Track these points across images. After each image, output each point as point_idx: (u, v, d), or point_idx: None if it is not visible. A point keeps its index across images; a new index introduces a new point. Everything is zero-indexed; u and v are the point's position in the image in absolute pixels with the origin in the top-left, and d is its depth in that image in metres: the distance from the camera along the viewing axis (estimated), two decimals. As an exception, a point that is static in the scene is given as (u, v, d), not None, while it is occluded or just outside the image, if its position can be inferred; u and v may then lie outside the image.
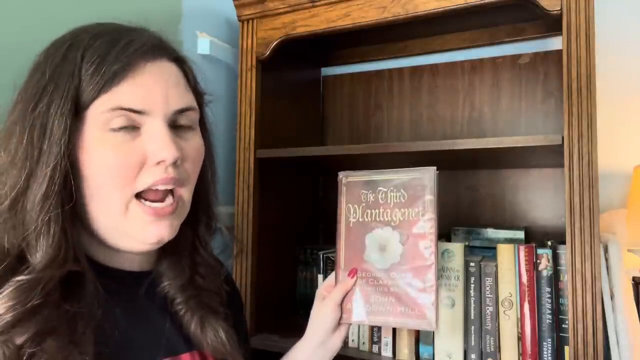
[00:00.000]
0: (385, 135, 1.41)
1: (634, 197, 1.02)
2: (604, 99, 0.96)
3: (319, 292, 0.79)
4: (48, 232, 0.49)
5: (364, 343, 1.05)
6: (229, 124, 1.30)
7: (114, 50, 0.53)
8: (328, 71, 1.51)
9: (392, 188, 0.77)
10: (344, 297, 0.75)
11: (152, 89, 0.54)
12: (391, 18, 1.01)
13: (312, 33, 1.09)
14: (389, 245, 0.75)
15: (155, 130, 0.54)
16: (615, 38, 1.16)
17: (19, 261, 0.49)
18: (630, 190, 1.05)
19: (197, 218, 0.65)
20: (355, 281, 0.76)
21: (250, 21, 1.15)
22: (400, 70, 1.40)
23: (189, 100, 0.59)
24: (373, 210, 0.77)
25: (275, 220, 1.21)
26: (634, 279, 1.01)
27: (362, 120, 1.44)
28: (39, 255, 0.49)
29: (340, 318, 0.75)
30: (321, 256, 1.15)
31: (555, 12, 0.88)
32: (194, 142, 0.60)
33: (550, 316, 0.91)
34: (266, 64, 1.15)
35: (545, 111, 1.22)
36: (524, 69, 1.25)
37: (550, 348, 0.90)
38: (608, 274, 0.91)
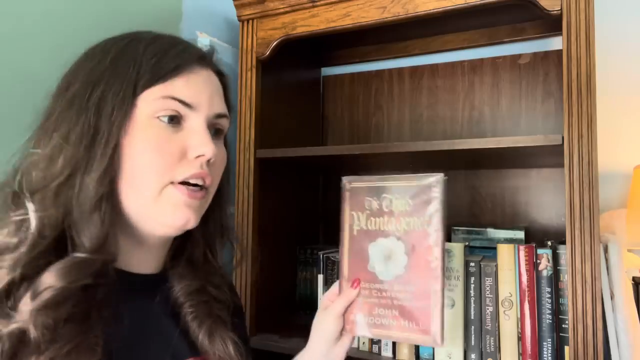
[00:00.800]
0: (385, 135, 1.41)
1: (634, 197, 1.02)
2: (604, 99, 0.96)
3: (322, 301, 0.77)
4: (100, 210, 0.52)
5: (364, 343, 1.05)
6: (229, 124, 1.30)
7: (174, 49, 0.58)
8: (328, 71, 1.51)
9: (397, 196, 0.72)
10: (346, 308, 0.73)
11: (201, 88, 0.59)
12: (391, 18, 1.01)
13: (312, 33, 1.09)
14: (393, 256, 0.72)
15: (197, 127, 0.57)
16: (615, 38, 1.16)
17: (59, 242, 0.50)
18: (630, 190, 1.05)
19: (210, 225, 0.66)
20: (359, 292, 0.73)
21: (250, 21, 1.15)
22: (400, 70, 1.40)
23: (225, 108, 0.63)
24: (377, 219, 0.73)
25: (275, 220, 1.21)
26: (634, 279, 1.01)
27: (362, 120, 1.44)
28: (89, 234, 0.51)
29: (343, 329, 0.73)
30: (321, 256, 1.15)
31: (555, 12, 0.88)
32: (222, 150, 0.63)
33: (550, 316, 0.91)
34: (266, 64, 1.15)
35: (545, 111, 1.22)
36: (524, 69, 1.25)
37: (550, 348, 0.91)
38: (608, 274, 0.91)
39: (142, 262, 0.60)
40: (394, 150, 1.01)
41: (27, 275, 0.48)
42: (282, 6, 1.11)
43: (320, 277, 1.15)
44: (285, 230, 1.27)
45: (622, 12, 1.17)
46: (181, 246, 0.65)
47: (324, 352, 0.73)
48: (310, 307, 1.26)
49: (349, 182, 0.77)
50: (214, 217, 0.66)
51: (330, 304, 0.74)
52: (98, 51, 0.58)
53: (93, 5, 0.96)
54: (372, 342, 1.04)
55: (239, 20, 1.17)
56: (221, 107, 0.62)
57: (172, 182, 0.56)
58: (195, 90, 0.58)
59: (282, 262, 1.26)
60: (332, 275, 1.14)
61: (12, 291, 0.47)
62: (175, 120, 0.56)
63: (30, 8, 0.88)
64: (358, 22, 1.04)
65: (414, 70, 1.38)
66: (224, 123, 0.63)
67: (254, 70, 1.14)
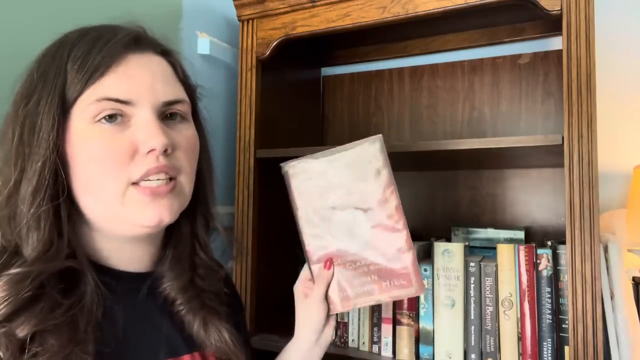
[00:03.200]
0: (385, 135, 1.40)
1: (634, 197, 1.02)
2: (604, 99, 0.96)
3: (298, 290, 0.76)
4: (38, 227, 0.50)
5: (364, 343, 1.05)
6: (229, 124, 1.30)
7: (97, 44, 0.54)
8: (328, 71, 1.51)
9: (340, 166, 0.73)
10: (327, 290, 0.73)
11: (137, 79, 0.54)
12: (391, 18, 1.01)
13: (312, 33, 1.09)
14: (355, 226, 0.72)
15: (143, 120, 0.54)
16: (615, 38, 1.16)
17: (15, 256, 0.50)
18: (630, 190, 1.05)
19: (195, 216, 0.65)
20: (333, 271, 0.73)
21: (250, 21, 1.15)
22: (400, 70, 1.40)
23: (178, 92, 0.58)
24: (328, 194, 0.73)
25: (275, 220, 1.21)
26: (634, 279, 1.01)
27: (362, 120, 1.44)
28: (29, 249, 0.50)
29: (328, 310, 0.73)
30: (321, 256, 1.15)
31: (555, 12, 0.88)
32: (186, 132, 0.59)
33: (550, 316, 0.91)
34: (266, 64, 1.15)
35: (545, 111, 1.22)
36: (524, 69, 1.25)
37: (550, 348, 0.91)
38: (608, 274, 0.91)
39: (133, 260, 0.60)
40: (394, 151, 1.00)
41: None
42: (282, 6, 1.11)
43: (320, 277, 1.15)
44: (285, 231, 1.27)
45: (622, 12, 1.17)
46: (168, 240, 0.64)
47: (314, 340, 0.73)
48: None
49: (289, 167, 0.74)
50: (198, 203, 0.64)
51: (309, 291, 0.74)
52: (34, 63, 0.56)
53: (92, 5, 0.96)
54: (372, 342, 1.04)
55: (239, 20, 1.17)
56: (169, 94, 0.56)
57: (132, 183, 0.53)
58: (129, 83, 0.53)
59: (282, 262, 1.26)
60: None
61: None
62: (116, 119, 0.53)
63: (28, 8, 0.88)
64: (358, 22, 1.04)
65: (414, 70, 1.38)
66: (181, 108, 0.58)
67: (254, 70, 1.14)
